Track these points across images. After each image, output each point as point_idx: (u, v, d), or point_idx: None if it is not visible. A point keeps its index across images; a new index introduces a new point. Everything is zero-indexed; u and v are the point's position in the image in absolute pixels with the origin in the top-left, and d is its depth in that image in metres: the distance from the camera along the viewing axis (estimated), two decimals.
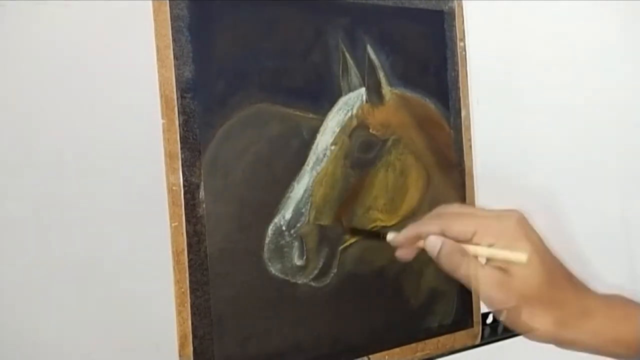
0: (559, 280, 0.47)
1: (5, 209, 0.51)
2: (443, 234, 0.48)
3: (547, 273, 0.46)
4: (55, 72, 0.52)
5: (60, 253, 0.53)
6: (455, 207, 0.52)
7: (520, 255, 0.45)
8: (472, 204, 0.68)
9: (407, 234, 0.50)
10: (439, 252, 0.47)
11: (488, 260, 0.47)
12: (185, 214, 0.51)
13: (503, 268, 0.46)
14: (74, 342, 0.54)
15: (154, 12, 0.50)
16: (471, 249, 0.47)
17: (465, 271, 0.46)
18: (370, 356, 0.61)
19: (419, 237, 0.49)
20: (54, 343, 0.53)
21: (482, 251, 0.47)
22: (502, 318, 0.47)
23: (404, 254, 0.51)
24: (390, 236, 0.52)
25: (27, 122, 0.52)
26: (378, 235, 0.55)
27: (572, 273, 0.49)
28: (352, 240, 0.60)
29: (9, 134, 0.51)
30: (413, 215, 0.64)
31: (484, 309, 0.70)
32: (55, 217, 0.53)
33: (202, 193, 0.52)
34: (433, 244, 0.47)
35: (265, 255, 0.55)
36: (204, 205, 0.52)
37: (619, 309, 0.48)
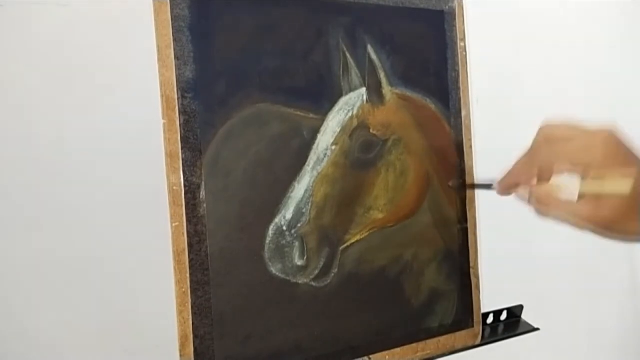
0: None
1: (6, 208, 0.51)
2: (538, 174, 0.51)
3: (635, 192, 0.46)
4: (56, 73, 0.52)
5: (60, 253, 0.53)
6: (548, 131, 0.52)
7: (623, 186, 0.46)
8: (472, 203, 0.68)
9: (505, 185, 0.55)
10: (529, 201, 0.52)
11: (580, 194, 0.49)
12: (186, 214, 0.51)
13: (592, 196, 0.48)
14: (75, 341, 0.54)
15: (154, 12, 0.50)
16: (574, 185, 0.49)
17: (556, 212, 0.49)
18: (371, 356, 0.61)
19: (517, 184, 0.54)
20: (55, 343, 0.53)
21: (588, 186, 0.48)
22: (606, 236, 0.49)
23: (504, 192, 0.57)
24: (495, 188, 0.57)
25: (28, 122, 0.52)
26: (487, 186, 0.60)
27: None
28: (353, 240, 0.60)
29: (10, 134, 0.51)
30: (414, 216, 0.64)
31: (484, 309, 0.70)
32: (55, 217, 0.53)
33: (203, 193, 0.52)
34: (522, 195, 0.53)
35: (266, 255, 0.55)
36: (205, 205, 0.52)
37: None
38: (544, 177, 0.51)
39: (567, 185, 0.49)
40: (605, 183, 0.47)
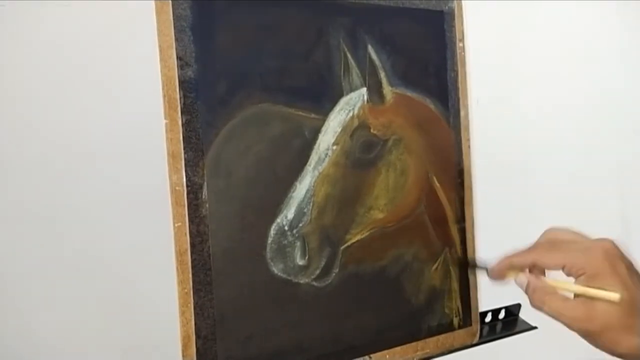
0: None
1: (8, 208, 0.51)
2: (534, 265, 0.54)
3: (630, 304, 0.48)
4: (57, 73, 0.52)
5: (62, 253, 0.53)
6: (552, 234, 0.56)
7: (613, 295, 0.48)
8: (470, 202, 0.69)
9: (501, 266, 0.57)
10: (526, 289, 0.54)
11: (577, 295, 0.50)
12: (189, 214, 0.51)
13: (587, 300, 0.49)
14: (76, 341, 0.54)
15: (156, 11, 0.50)
16: (563, 285, 0.52)
17: (549, 308, 0.51)
18: (372, 355, 0.61)
19: (512, 267, 0.56)
20: (56, 342, 0.53)
21: (575, 288, 0.50)
22: (596, 345, 0.50)
23: (497, 277, 0.59)
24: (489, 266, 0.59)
25: (30, 122, 0.52)
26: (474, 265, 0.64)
27: None
28: (354, 239, 0.60)
29: (11, 133, 0.51)
30: (413, 215, 0.64)
31: (482, 307, 0.71)
32: (57, 217, 0.53)
33: (205, 193, 0.52)
34: (520, 281, 0.55)
35: (268, 255, 0.55)
36: (207, 205, 0.52)
37: None
38: (537, 270, 0.54)
39: (563, 284, 0.52)
40: (597, 288, 0.49)
